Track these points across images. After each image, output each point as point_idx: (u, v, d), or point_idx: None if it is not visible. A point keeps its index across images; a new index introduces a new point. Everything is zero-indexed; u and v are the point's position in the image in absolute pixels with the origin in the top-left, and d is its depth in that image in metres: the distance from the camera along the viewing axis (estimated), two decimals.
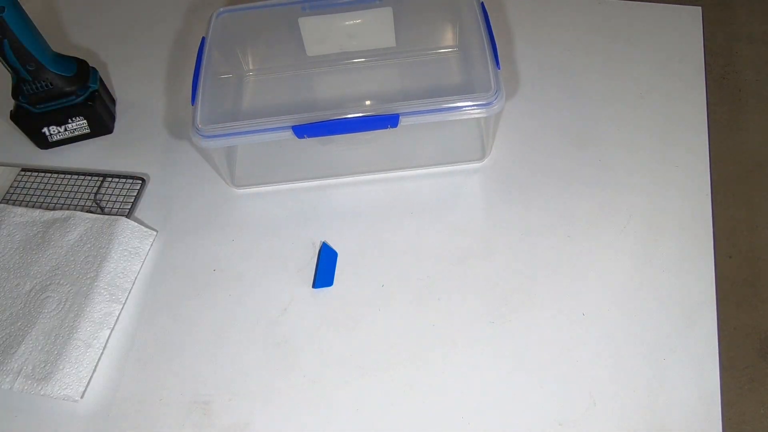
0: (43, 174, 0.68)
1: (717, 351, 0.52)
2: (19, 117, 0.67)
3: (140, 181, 0.66)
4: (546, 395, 0.51)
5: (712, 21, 1.71)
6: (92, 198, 0.65)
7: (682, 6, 0.76)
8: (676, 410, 0.50)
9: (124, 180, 0.67)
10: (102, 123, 0.71)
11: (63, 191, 0.66)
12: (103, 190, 0.66)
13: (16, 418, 0.54)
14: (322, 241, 0.61)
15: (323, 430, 0.51)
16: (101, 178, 0.67)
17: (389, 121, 0.57)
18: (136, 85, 0.76)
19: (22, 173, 0.68)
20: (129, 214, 0.64)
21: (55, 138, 0.70)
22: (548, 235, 0.60)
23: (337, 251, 0.60)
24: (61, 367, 0.54)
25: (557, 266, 0.58)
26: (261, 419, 0.52)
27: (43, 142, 0.70)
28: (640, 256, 0.58)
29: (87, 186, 0.67)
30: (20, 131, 0.69)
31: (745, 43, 1.69)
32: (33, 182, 0.67)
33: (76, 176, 0.67)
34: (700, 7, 0.76)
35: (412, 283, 0.58)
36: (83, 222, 0.62)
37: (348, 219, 0.63)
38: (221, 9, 0.68)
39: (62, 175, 0.67)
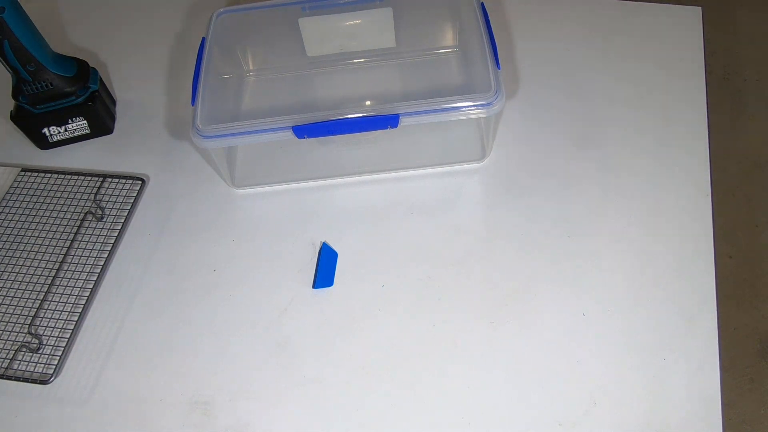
0: (43, 174, 0.68)
1: (717, 351, 0.52)
2: (19, 117, 0.67)
3: (140, 182, 0.66)
4: (546, 395, 0.51)
5: (712, 21, 1.71)
6: (92, 198, 0.65)
7: (682, 6, 0.76)
8: (676, 410, 0.50)
9: (124, 180, 0.67)
10: (102, 123, 0.71)
11: (63, 191, 0.66)
12: (103, 191, 0.66)
13: (16, 418, 0.54)
14: (322, 241, 0.61)
15: (323, 430, 0.51)
16: (101, 179, 0.67)
17: (389, 121, 0.57)
18: (136, 86, 0.76)
19: (22, 173, 0.68)
20: (129, 215, 0.64)
21: (55, 138, 0.70)
22: (548, 235, 0.60)
23: (337, 251, 0.60)
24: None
25: (557, 266, 0.58)
26: (261, 419, 0.52)
27: (43, 143, 0.70)
28: (640, 256, 0.58)
29: (87, 186, 0.67)
30: (20, 131, 0.69)
31: (745, 43, 1.69)
32: (33, 182, 0.67)
33: (76, 176, 0.67)
34: (700, 7, 0.76)
35: (412, 283, 0.58)
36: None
37: (348, 219, 0.63)
38: (221, 9, 0.68)
39: (62, 176, 0.67)
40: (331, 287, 0.58)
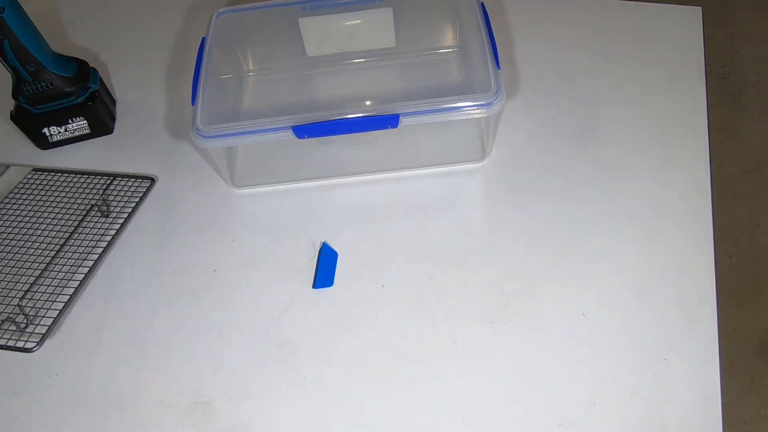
0: (53, 173, 0.68)
1: (717, 351, 0.52)
2: (19, 117, 0.67)
3: (150, 181, 0.67)
4: (546, 395, 0.51)
5: (712, 21, 1.71)
6: (100, 194, 0.65)
7: (682, 6, 0.76)
8: (676, 410, 0.50)
9: (133, 180, 0.67)
10: (102, 123, 0.71)
11: (71, 188, 0.67)
12: (111, 189, 0.66)
13: (16, 418, 0.54)
14: (322, 241, 0.61)
15: (323, 430, 0.51)
16: (111, 178, 0.67)
17: (389, 121, 0.57)
18: (137, 86, 0.76)
19: (33, 172, 0.68)
20: (131, 213, 0.64)
21: (55, 138, 0.70)
22: (548, 235, 0.60)
23: (337, 251, 0.60)
24: None
25: (557, 266, 0.58)
26: (261, 419, 0.52)
27: (44, 143, 0.70)
28: (640, 255, 0.58)
29: (96, 184, 0.67)
30: (20, 131, 0.69)
31: (745, 43, 1.69)
32: (43, 180, 0.68)
33: (86, 176, 0.68)
34: (700, 7, 0.76)
35: (412, 283, 0.58)
36: None
37: (348, 219, 0.63)
38: (221, 9, 0.68)
39: (72, 175, 0.68)
40: (331, 287, 0.58)
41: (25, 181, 0.68)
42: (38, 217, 0.65)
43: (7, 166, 0.69)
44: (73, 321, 0.58)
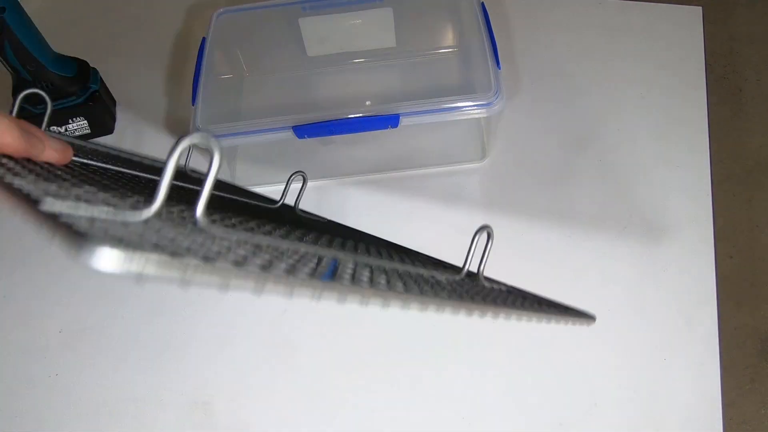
0: None
1: (717, 351, 0.52)
2: (19, 118, 0.67)
3: None
4: (547, 395, 0.51)
5: (712, 21, 1.71)
6: None
7: (682, 6, 0.76)
8: (676, 410, 0.50)
9: None
10: (103, 123, 0.71)
11: None
12: None
13: (17, 419, 0.54)
14: None
15: (323, 430, 0.51)
16: None
17: (389, 121, 0.57)
18: (137, 86, 0.76)
19: None
20: None
21: None
22: (548, 235, 0.60)
23: None
24: None
25: (557, 266, 0.58)
26: (261, 419, 0.52)
27: None
28: (640, 256, 0.58)
29: None
30: None
31: (745, 43, 1.69)
32: None
33: None
34: (700, 7, 0.76)
35: None
36: None
37: (348, 219, 0.62)
38: (221, 9, 0.68)
39: None
40: None
41: None
42: None
43: None
44: (74, 321, 0.58)
